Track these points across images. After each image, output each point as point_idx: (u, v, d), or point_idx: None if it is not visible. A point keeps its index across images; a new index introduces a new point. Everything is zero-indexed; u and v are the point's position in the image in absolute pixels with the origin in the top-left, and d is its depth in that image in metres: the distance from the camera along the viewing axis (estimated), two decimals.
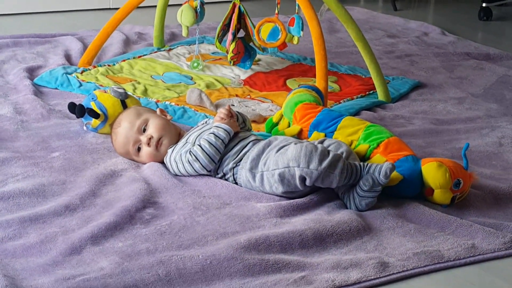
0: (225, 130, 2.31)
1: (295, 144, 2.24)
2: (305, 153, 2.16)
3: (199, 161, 2.28)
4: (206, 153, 2.27)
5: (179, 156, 2.32)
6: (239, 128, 2.40)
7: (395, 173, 2.24)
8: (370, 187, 2.17)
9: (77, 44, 3.58)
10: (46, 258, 1.88)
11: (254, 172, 2.26)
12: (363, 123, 2.46)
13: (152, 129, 2.39)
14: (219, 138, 2.29)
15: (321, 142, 2.31)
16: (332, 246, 2.04)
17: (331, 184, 2.18)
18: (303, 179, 2.18)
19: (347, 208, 2.21)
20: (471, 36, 4.38)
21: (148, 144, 2.38)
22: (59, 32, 3.82)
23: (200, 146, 2.29)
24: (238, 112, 2.47)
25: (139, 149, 2.40)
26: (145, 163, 2.41)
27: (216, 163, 2.30)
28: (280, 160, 2.20)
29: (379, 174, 2.16)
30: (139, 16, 4.03)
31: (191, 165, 2.29)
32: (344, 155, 2.23)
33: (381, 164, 2.19)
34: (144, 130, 2.40)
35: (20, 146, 2.49)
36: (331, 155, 2.17)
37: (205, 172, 2.31)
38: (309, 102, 2.58)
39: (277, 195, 2.24)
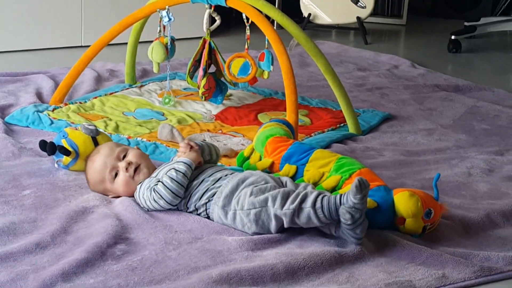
0: (185, 163, 2.32)
1: (271, 186, 2.24)
2: (283, 195, 2.17)
3: (163, 199, 2.29)
4: (169, 189, 2.28)
5: (145, 193, 2.32)
6: (202, 159, 2.40)
7: (370, 201, 2.24)
8: (352, 220, 2.13)
9: (48, 82, 3.58)
10: None
11: (227, 210, 2.25)
12: (334, 155, 2.48)
13: (131, 157, 2.41)
14: (179, 172, 2.29)
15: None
16: (304, 279, 2.03)
17: (310, 220, 2.16)
18: (280, 221, 2.18)
19: (325, 240, 2.19)
20: (440, 68, 4.44)
21: (127, 169, 2.38)
22: (30, 70, 3.83)
23: (162, 183, 2.29)
24: (206, 143, 2.49)
25: (115, 176, 2.41)
26: (117, 194, 2.41)
27: (181, 197, 2.30)
28: (257, 200, 2.20)
29: (351, 194, 2.12)
30: (110, 53, 4.04)
31: (156, 202, 2.30)
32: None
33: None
34: (124, 158, 2.41)
35: None
36: (303, 193, 2.17)
37: (171, 207, 2.31)
38: (280, 136, 2.59)
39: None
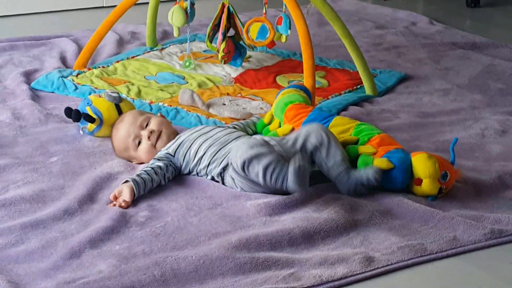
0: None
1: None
2: (249, 145, 2.23)
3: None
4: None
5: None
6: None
7: (387, 162, 2.31)
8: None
9: (72, 45, 3.65)
10: (48, 263, 1.97)
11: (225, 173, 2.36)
12: (354, 122, 2.54)
13: (153, 125, 2.50)
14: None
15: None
16: (320, 243, 2.11)
17: (258, 175, 2.21)
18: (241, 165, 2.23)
19: (340, 204, 2.26)
20: (459, 24, 4.43)
21: (149, 138, 2.47)
22: (54, 33, 3.89)
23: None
24: (242, 123, 2.63)
25: (139, 144, 2.49)
26: (140, 161, 2.50)
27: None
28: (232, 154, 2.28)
29: (367, 177, 2.26)
30: (131, 14, 4.08)
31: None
32: (312, 144, 2.31)
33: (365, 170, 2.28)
34: (146, 127, 2.50)
35: (19, 152, 2.57)
36: (266, 148, 2.23)
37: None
38: (299, 103, 2.66)
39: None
